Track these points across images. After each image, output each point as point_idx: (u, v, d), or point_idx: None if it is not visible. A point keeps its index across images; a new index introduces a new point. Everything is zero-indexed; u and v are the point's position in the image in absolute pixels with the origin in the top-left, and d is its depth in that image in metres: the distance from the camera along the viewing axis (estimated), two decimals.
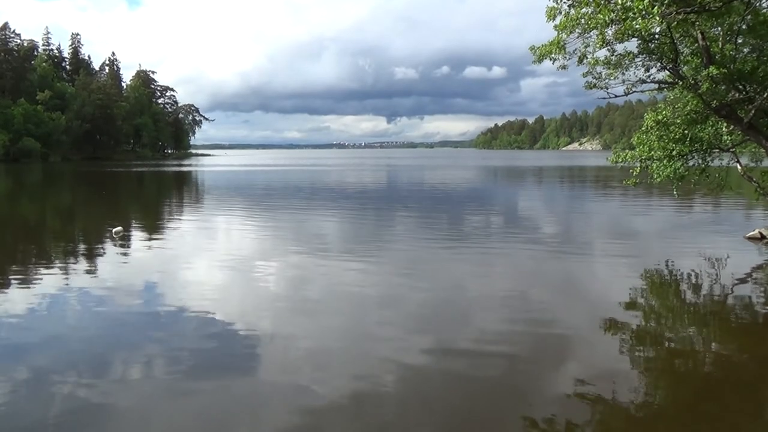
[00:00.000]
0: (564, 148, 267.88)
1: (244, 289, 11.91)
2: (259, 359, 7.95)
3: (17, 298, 11.00)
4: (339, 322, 9.57)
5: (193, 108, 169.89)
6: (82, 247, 17.75)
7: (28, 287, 12.10)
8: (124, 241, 17.48)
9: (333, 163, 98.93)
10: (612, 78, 14.22)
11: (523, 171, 70.80)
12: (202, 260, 14.82)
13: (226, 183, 49.69)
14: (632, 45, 13.52)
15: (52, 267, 14.28)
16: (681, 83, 13.80)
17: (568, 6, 12.59)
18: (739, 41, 14.14)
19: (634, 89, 14.49)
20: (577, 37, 12.61)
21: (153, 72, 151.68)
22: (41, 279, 12.68)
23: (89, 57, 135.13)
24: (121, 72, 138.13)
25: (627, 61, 13.91)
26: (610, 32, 12.02)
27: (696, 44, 13.78)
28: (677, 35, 13.59)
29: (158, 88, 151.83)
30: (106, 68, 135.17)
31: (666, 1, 11.14)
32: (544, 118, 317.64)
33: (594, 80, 14.31)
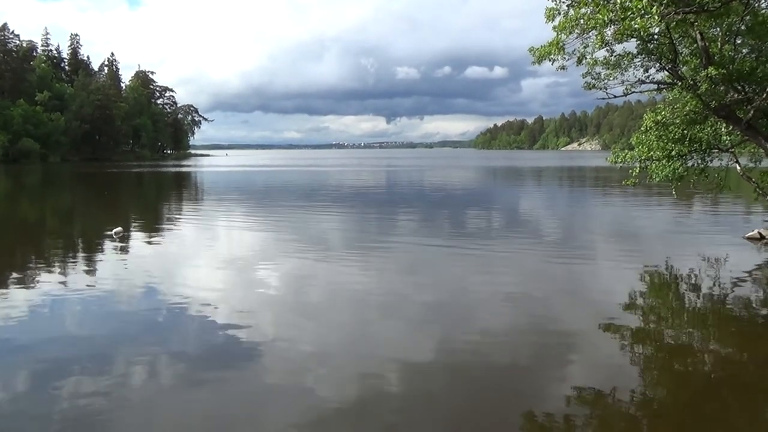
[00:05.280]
0: (563, 149, 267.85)
1: (245, 289, 11.91)
2: (261, 360, 7.95)
3: (17, 299, 10.99)
4: (341, 323, 9.58)
5: (192, 108, 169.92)
6: (82, 247, 17.73)
7: (28, 288, 12.09)
8: (124, 241, 17.47)
9: (332, 164, 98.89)
10: (611, 78, 14.25)
11: (523, 171, 70.81)
12: (202, 261, 14.82)
13: (225, 183, 49.68)
14: (631, 46, 13.57)
15: (52, 267, 14.25)
16: (680, 84, 13.83)
17: (567, 6, 12.62)
18: (738, 42, 14.16)
19: (633, 90, 14.51)
20: (576, 38, 12.63)
21: (152, 72, 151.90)
22: (41, 279, 12.66)
23: (88, 57, 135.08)
24: (120, 72, 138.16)
25: (626, 62, 13.94)
26: (609, 32, 12.04)
27: (695, 45, 13.80)
28: (676, 36, 13.61)
29: (157, 89, 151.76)
30: (105, 69, 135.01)
31: (665, 1, 11.16)
32: (544, 118, 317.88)
33: (593, 81, 14.34)
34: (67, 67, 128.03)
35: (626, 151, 16.00)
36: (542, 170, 71.45)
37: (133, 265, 14.58)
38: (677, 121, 14.81)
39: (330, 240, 18.44)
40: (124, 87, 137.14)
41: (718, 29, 13.98)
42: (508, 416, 6.31)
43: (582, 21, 12.15)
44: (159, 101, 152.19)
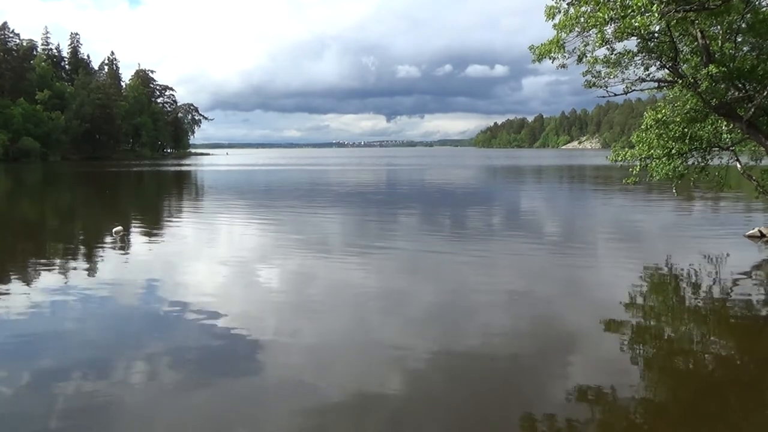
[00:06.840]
0: (563, 147, 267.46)
1: (246, 288, 11.91)
2: (262, 359, 7.95)
3: (17, 298, 10.99)
4: (342, 322, 9.57)
5: (192, 107, 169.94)
6: (82, 246, 17.72)
7: (29, 287, 12.09)
8: (125, 241, 17.47)
9: (333, 163, 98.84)
10: (611, 77, 14.22)
11: (524, 170, 70.74)
12: (203, 260, 14.82)
13: (225, 183, 49.66)
14: (631, 44, 13.55)
15: (52, 267, 14.26)
16: (680, 82, 13.80)
17: (568, 4, 12.60)
18: (739, 40, 14.13)
19: (633, 88, 14.49)
20: (577, 36, 12.62)
21: (152, 71, 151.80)
22: (41, 279, 12.67)
23: (88, 56, 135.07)
24: (120, 71, 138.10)
25: (626, 60, 13.91)
26: (609, 30, 12.02)
27: (695, 43, 13.78)
28: (676, 34, 13.58)
29: (157, 88, 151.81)
30: (106, 67, 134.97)
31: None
32: (545, 116, 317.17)
33: (593, 79, 14.32)
34: (67, 66, 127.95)
35: (626, 149, 15.98)
36: (542, 169, 71.40)
37: (134, 264, 14.58)
38: (678, 119, 14.80)
39: (331, 239, 18.43)
40: (124, 86, 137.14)
41: (719, 27, 13.95)
42: (510, 415, 6.31)
43: (582, 19, 12.14)
44: (159, 100, 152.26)
